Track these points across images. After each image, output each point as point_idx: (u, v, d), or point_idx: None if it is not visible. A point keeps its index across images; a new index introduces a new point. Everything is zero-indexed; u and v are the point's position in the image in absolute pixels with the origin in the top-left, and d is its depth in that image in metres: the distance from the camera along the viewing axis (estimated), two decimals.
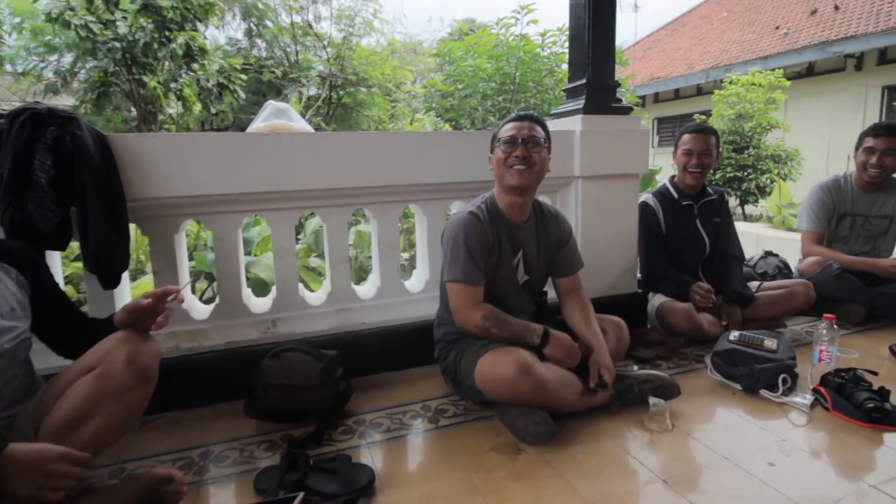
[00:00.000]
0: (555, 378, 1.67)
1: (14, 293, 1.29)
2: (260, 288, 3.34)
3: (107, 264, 1.70)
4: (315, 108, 8.49)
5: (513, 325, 1.74)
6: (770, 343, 2.01)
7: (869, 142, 2.64)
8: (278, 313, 2.10)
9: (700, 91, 12.86)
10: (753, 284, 2.64)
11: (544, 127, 1.88)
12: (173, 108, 6.64)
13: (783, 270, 2.89)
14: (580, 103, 2.45)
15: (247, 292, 2.18)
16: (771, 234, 5.31)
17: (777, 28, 11.77)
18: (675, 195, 2.62)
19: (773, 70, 9.19)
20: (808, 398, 1.84)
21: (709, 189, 2.67)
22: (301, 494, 1.32)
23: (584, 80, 2.46)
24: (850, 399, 1.74)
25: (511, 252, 1.87)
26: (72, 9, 5.88)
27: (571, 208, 2.49)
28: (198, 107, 6.67)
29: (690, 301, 2.45)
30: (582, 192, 2.45)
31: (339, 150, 2.01)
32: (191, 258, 3.44)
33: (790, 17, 11.95)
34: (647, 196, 2.66)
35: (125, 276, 2.00)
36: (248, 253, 3.59)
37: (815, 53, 10.03)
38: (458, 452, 1.61)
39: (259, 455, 1.63)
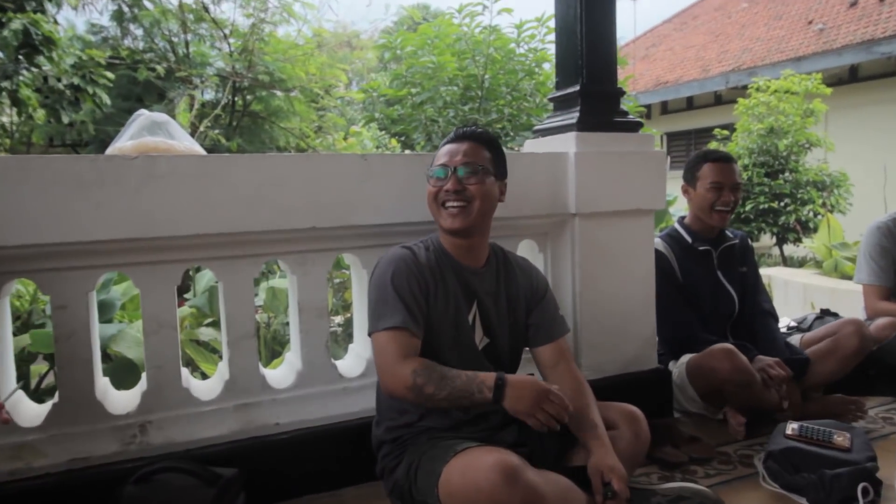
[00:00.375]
0: (554, 490, 1.59)
1: None
2: (125, 373, 3.15)
3: None
4: (212, 119, 8.40)
5: (454, 378, 1.65)
6: (841, 438, 2.01)
7: None
8: (150, 414, 1.97)
9: (718, 100, 13.50)
10: (794, 339, 2.73)
11: (492, 146, 1.92)
12: (7, 115, 6.42)
13: None
14: (573, 117, 2.48)
15: (102, 383, 2.05)
16: (821, 283, 5.49)
17: (810, 23, 12.59)
18: (689, 239, 2.70)
19: (810, 74, 9.74)
20: None
21: (727, 232, 2.75)
22: None
23: (577, 87, 2.50)
24: None
25: (465, 303, 1.86)
26: None
27: (566, 257, 2.49)
28: (41, 114, 6.46)
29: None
30: (580, 234, 2.45)
31: (241, 179, 1.95)
32: (23, 331, 3.23)
33: (825, 8, 12.80)
34: (654, 241, 2.70)
35: None
36: (107, 320, 3.41)
37: (859, 54, 10.71)
38: None
39: None
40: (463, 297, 1.86)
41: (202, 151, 2.10)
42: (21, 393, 2.03)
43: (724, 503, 1.81)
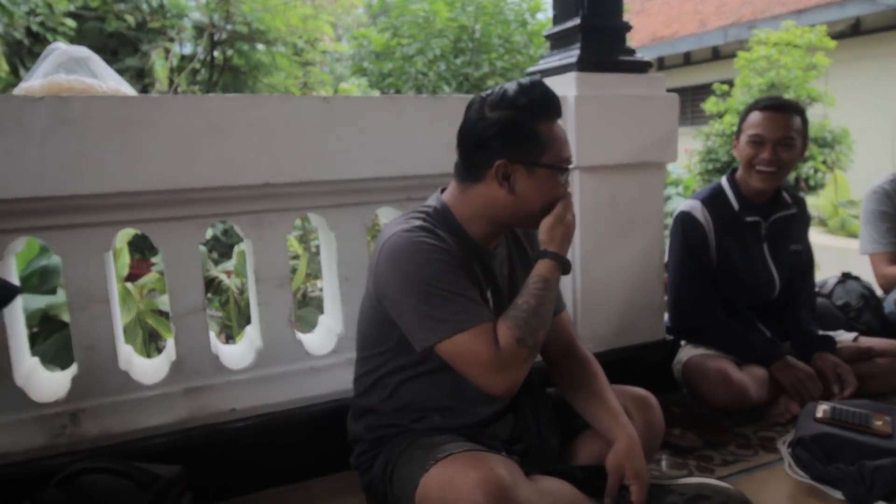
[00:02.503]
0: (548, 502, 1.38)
1: None
2: (59, 357, 2.92)
3: None
4: (190, 72, 8.06)
5: (526, 305, 1.45)
6: (881, 423, 1.81)
7: None
8: (83, 401, 1.76)
9: (717, 55, 13.25)
10: (847, 336, 2.44)
11: None
12: None
13: (870, 300, 2.75)
14: (573, 55, 2.27)
15: (28, 366, 1.83)
16: (827, 243, 5.31)
17: None
18: (736, 205, 2.34)
19: (812, 26, 9.47)
20: None
21: (785, 196, 2.40)
22: None
23: (577, 21, 2.29)
24: None
25: (485, 286, 1.61)
26: None
27: None
28: (5, 66, 6.12)
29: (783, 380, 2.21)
30: (581, 190, 2.25)
31: (178, 126, 1.69)
32: None
33: None
34: (691, 205, 2.38)
35: None
36: (50, 290, 3.16)
37: (863, 6, 10.45)
38: None
39: None
40: (484, 279, 1.61)
41: (133, 92, 1.79)
42: None
43: (749, 500, 1.59)
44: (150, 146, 1.66)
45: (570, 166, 1.55)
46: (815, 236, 5.68)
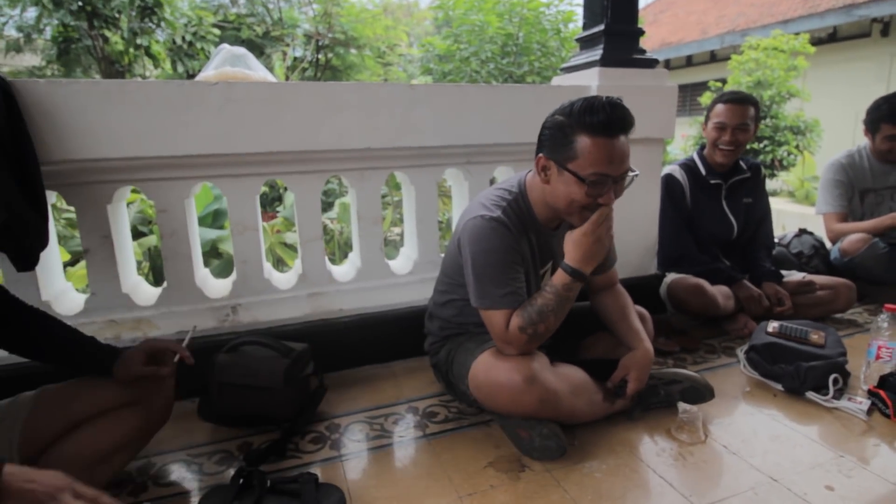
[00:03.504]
0: (568, 387, 1.42)
1: None
2: (231, 267, 3.08)
3: (19, 242, 1.43)
4: (300, 71, 8.10)
5: (542, 303, 1.39)
6: (817, 336, 1.79)
7: (890, 129, 2.51)
8: (239, 298, 1.87)
9: (714, 58, 12.51)
10: (798, 276, 2.40)
11: None
12: (142, 67, 6.26)
13: (819, 250, 2.68)
14: (597, 54, 2.19)
15: (202, 273, 1.93)
16: (793, 210, 5.09)
17: None
18: (703, 171, 2.35)
19: (796, 35, 8.84)
20: (865, 403, 1.61)
21: (742, 163, 2.39)
22: None
23: (601, 27, 2.19)
24: None
25: (540, 261, 1.56)
26: None
27: None
28: (168, 65, 6.29)
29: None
30: None
31: (306, 104, 1.73)
32: (149, 234, 3.16)
33: None
34: (672, 168, 2.40)
35: (53, 254, 1.74)
36: (220, 226, 3.32)
37: (840, 17, 9.63)
38: (449, 468, 1.38)
39: (210, 469, 1.41)
40: (540, 257, 1.55)
41: (275, 80, 1.88)
42: (140, 279, 1.95)
43: (711, 387, 1.62)
44: (288, 119, 1.71)
45: (612, 181, 1.32)
46: (784, 205, 5.47)
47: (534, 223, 1.49)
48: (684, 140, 9.64)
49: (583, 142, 1.30)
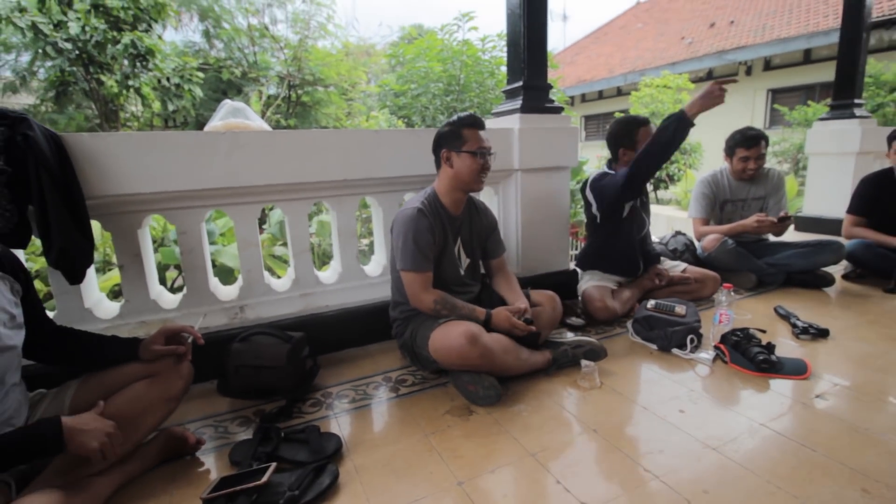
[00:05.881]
0: (499, 346, 1.69)
1: (11, 301, 1.19)
2: (226, 275, 3.20)
3: (71, 261, 1.57)
4: (275, 106, 8.12)
5: (460, 308, 1.76)
6: (680, 309, 2.11)
7: (742, 152, 2.82)
8: (245, 300, 2.03)
9: (620, 92, 13.25)
10: (680, 267, 2.68)
11: None
12: (133, 105, 6.17)
13: (690, 247, 3.01)
14: (518, 103, 2.45)
15: (214, 281, 2.08)
16: (679, 216, 5.58)
17: (683, 38, 12.24)
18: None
19: (680, 74, 9.60)
20: (711, 354, 1.95)
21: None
22: (272, 466, 1.28)
23: (520, 83, 2.45)
24: (744, 353, 1.86)
25: (452, 239, 1.89)
26: (21, 9, 5.32)
27: (512, 197, 2.50)
28: (157, 104, 6.23)
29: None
30: (521, 182, 2.46)
31: (296, 147, 1.92)
32: (157, 251, 3.24)
33: (694, 28, 12.44)
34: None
35: (91, 270, 1.87)
36: (212, 243, 3.42)
37: (714, 60, 10.53)
38: (417, 417, 1.61)
39: (233, 430, 1.58)
40: (451, 236, 1.88)
41: (269, 128, 2.07)
42: (163, 289, 2.08)
43: (605, 348, 1.92)
44: (281, 158, 1.89)
45: (488, 153, 1.78)
46: (673, 211, 6.00)
47: (444, 211, 1.85)
48: (598, 160, 10.24)
49: (466, 132, 1.78)
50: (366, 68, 9.58)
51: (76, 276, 1.61)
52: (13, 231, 1.47)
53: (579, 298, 2.55)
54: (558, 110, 2.52)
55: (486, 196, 2.55)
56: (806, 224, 4.32)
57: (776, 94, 10.25)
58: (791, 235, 3.98)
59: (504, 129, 2.41)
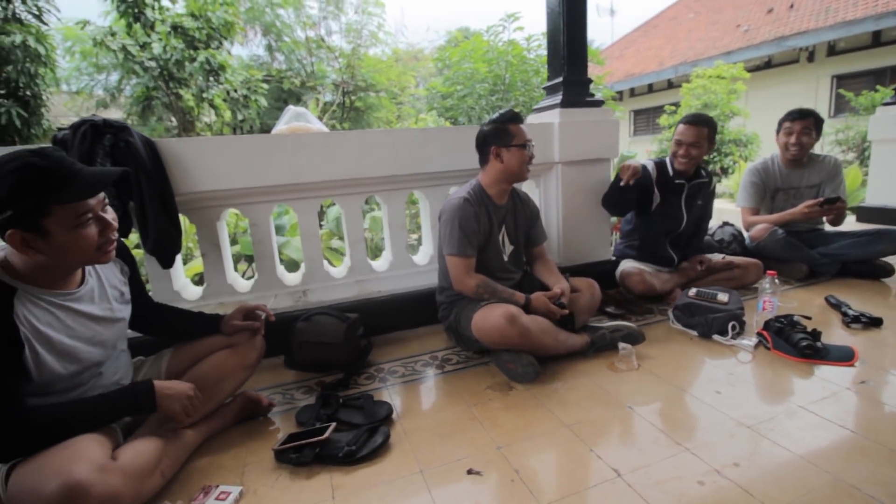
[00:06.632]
0: (537, 326, 1.76)
1: (122, 280, 1.39)
2: (291, 266, 3.44)
3: (164, 248, 1.80)
4: (331, 112, 8.49)
5: (501, 292, 1.84)
6: (723, 297, 2.09)
7: (787, 125, 2.72)
8: (308, 285, 2.20)
9: (671, 85, 12.72)
10: (718, 257, 2.63)
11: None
12: (207, 116, 6.67)
13: (738, 238, 2.92)
14: (558, 99, 2.48)
15: (280, 269, 2.26)
16: (731, 209, 5.34)
17: (738, 26, 11.58)
18: (671, 171, 2.46)
19: (735, 64, 9.10)
20: (753, 340, 1.92)
21: (702, 171, 2.54)
22: (332, 424, 1.43)
23: (560, 79, 2.49)
24: (787, 340, 1.82)
25: (497, 227, 1.97)
26: (112, 34, 5.91)
27: (553, 189, 2.54)
28: (228, 114, 6.71)
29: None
30: (562, 175, 2.50)
31: (350, 146, 2.07)
32: (235, 243, 3.54)
33: (749, 15, 11.74)
34: (647, 162, 2.52)
35: (178, 257, 2.11)
36: (281, 236, 3.69)
37: (772, 48, 9.88)
38: (461, 391, 1.72)
39: (298, 397, 1.75)
40: (496, 225, 1.96)
41: (327, 130, 2.23)
42: (238, 275, 2.29)
43: (643, 332, 1.94)
44: (338, 157, 2.04)
45: (533, 145, 1.88)
46: (725, 205, 5.75)
47: (489, 201, 1.93)
48: (647, 155, 9.91)
49: (512, 128, 1.87)
50: (414, 73, 9.79)
51: (168, 261, 1.84)
52: (119, 223, 1.70)
53: (618, 279, 2.53)
54: (598, 104, 2.54)
55: (528, 188, 2.60)
56: (869, 214, 4.03)
57: (841, 81, 9.50)
58: (852, 226, 3.73)
59: (544, 123, 2.46)
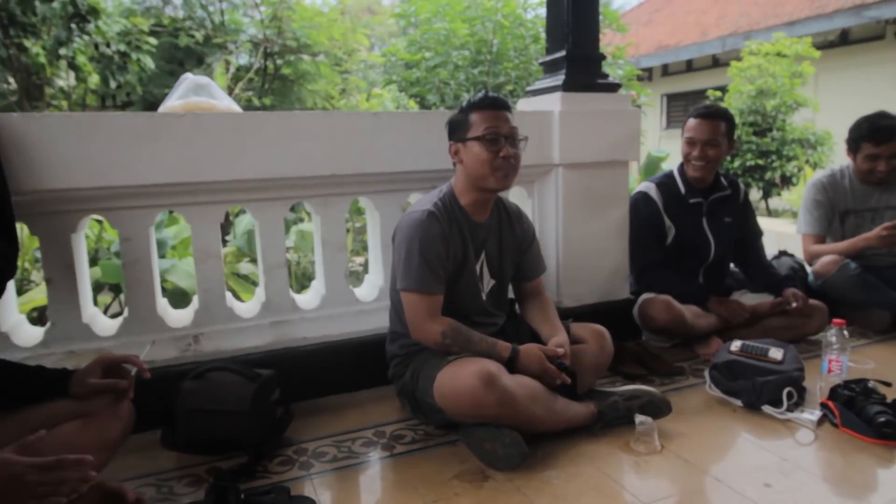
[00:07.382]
0: (524, 391, 1.78)
1: None
2: (178, 299, 3.40)
3: None
4: (246, 81, 8.50)
5: (476, 342, 1.87)
6: (776, 353, 2.18)
7: (869, 148, 2.86)
8: (201, 327, 2.18)
9: (717, 62, 13.18)
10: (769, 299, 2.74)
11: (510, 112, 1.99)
12: (64, 79, 6.58)
13: (798, 273, 3.05)
14: (559, 79, 2.58)
15: (162, 303, 2.25)
16: (790, 231, 5.56)
17: None
18: (683, 189, 2.67)
19: (801, 38, 9.55)
20: (816, 414, 2.00)
21: (722, 180, 2.70)
22: None
23: (563, 53, 2.59)
24: (860, 414, 1.90)
25: (473, 253, 2.00)
26: None
27: (551, 201, 2.63)
28: (96, 78, 6.62)
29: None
30: (563, 182, 2.57)
31: (271, 133, 2.09)
32: (95, 264, 3.48)
33: None
34: (647, 185, 2.72)
35: (10, 284, 2.07)
36: (162, 256, 3.65)
37: (850, 18, 10.35)
38: (416, 482, 1.72)
39: (180, 491, 1.72)
40: (473, 250, 1.99)
41: (239, 110, 2.26)
42: (97, 311, 2.26)
43: (668, 401, 1.99)
44: (253, 147, 2.05)
45: (505, 137, 1.86)
46: (786, 226, 6.00)
47: (463, 216, 1.97)
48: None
49: (473, 116, 1.89)
50: (367, 31, 9.93)
51: None
52: None
53: (635, 314, 2.64)
54: (613, 87, 2.66)
55: (519, 199, 2.67)
56: None
57: None
58: None
59: (541, 111, 2.55)
